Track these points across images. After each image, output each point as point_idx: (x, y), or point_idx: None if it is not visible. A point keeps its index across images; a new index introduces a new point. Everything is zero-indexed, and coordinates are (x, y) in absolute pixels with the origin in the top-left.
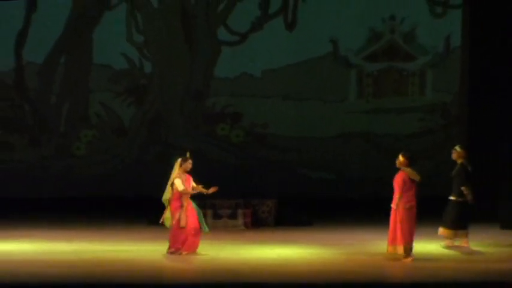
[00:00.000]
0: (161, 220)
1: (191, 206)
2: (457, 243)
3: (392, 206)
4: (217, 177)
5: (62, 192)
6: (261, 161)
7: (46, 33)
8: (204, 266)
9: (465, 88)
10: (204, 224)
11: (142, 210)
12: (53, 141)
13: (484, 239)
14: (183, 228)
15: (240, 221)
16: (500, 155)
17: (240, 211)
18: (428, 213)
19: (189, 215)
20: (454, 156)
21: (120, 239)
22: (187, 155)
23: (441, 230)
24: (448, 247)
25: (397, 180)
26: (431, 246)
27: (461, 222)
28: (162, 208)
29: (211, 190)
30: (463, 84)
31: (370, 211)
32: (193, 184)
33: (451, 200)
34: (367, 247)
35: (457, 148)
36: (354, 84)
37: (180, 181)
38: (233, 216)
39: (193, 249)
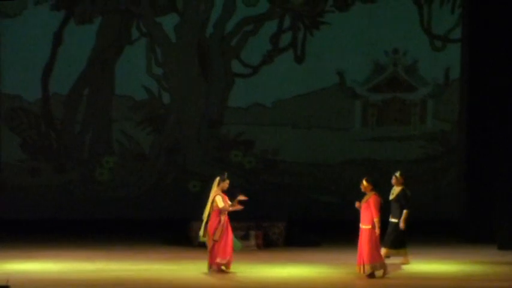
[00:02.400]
0: (200, 234)
1: (228, 223)
2: (398, 260)
3: (377, 230)
4: (230, 201)
5: (85, 214)
6: (271, 185)
7: (71, 65)
8: (221, 284)
9: (463, 117)
10: (237, 241)
11: (160, 232)
12: (77, 167)
13: (482, 259)
14: (215, 241)
15: (253, 242)
16: (498, 178)
17: (252, 233)
18: (429, 234)
19: (225, 231)
20: (393, 182)
21: (140, 259)
22: (225, 175)
23: (384, 251)
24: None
25: (376, 203)
26: (429, 266)
27: (403, 241)
28: (179, 229)
29: (241, 198)
30: (461, 113)
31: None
32: (229, 202)
33: (393, 221)
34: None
35: (397, 175)
36: (359, 113)
37: (220, 198)
38: (246, 237)
39: (230, 263)
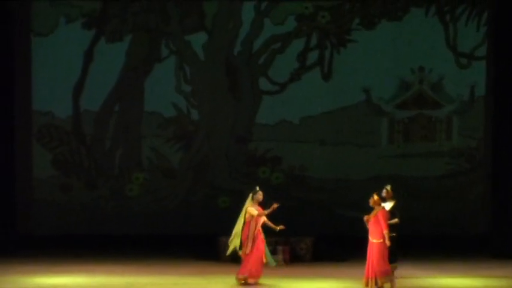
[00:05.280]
0: (236, 247)
1: (261, 236)
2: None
3: (387, 242)
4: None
5: (115, 230)
6: (299, 201)
7: (102, 83)
8: None
9: (489, 134)
10: (270, 257)
11: (189, 247)
12: (108, 183)
13: (508, 273)
14: (246, 255)
15: (280, 256)
16: None
17: (279, 248)
18: (455, 249)
19: (258, 243)
20: (384, 194)
21: (169, 273)
22: (257, 188)
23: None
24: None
25: (386, 217)
26: (454, 280)
27: (392, 255)
28: (208, 244)
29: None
30: (486, 130)
31: (400, 248)
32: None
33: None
34: (399, 282)
35: (388, 188)
36: (385, 130)
37: (253, 209)
38: (273, 252)
39: (257, 277)
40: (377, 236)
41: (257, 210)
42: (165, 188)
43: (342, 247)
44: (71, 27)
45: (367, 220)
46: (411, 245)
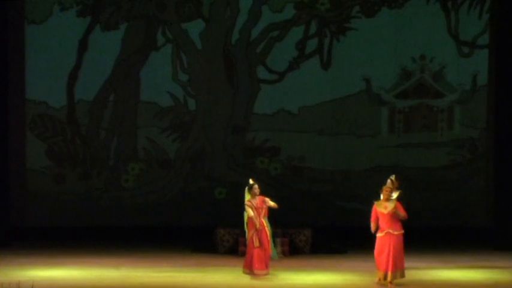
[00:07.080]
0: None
1: (266, 229)
2: None
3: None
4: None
5: (111, 221)
6: (297, 192)
7: (97, 72)
8: None
9: (491, 124)
10: (274, 249)
11: (185, 239)
12: (103, 174)
13: (510, 266)
14: (258, 247)
15: (278, 249)
16: None
17: (278, 240)
18: (457, 241)
19: (263, 236)
20: (389, 185)
21: (165, 266)
22: (251, 181)
23: None
24: None
25: (403, 208)
26: (456, 273)
27: None
28: (205, 236)
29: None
30: (489, 120)
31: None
32: (270, 203)
33: None
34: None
35: (393, 178)
36: (385, 120)
37: (249, 209)
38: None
39: (259, 269)
40: (398, 227)
41: (256, 204)
42: (161, 179)
43: (342, 239)
44: (66, 15)
45: (388, 212)
46: (411, 237)
